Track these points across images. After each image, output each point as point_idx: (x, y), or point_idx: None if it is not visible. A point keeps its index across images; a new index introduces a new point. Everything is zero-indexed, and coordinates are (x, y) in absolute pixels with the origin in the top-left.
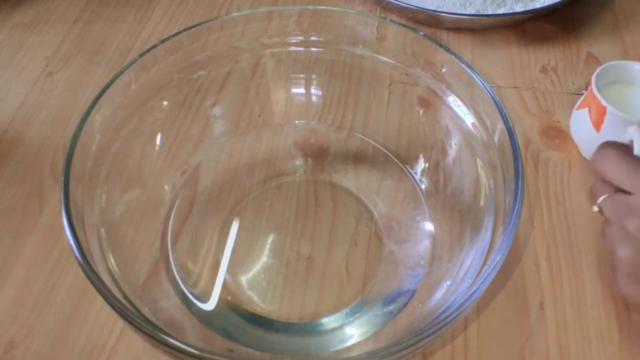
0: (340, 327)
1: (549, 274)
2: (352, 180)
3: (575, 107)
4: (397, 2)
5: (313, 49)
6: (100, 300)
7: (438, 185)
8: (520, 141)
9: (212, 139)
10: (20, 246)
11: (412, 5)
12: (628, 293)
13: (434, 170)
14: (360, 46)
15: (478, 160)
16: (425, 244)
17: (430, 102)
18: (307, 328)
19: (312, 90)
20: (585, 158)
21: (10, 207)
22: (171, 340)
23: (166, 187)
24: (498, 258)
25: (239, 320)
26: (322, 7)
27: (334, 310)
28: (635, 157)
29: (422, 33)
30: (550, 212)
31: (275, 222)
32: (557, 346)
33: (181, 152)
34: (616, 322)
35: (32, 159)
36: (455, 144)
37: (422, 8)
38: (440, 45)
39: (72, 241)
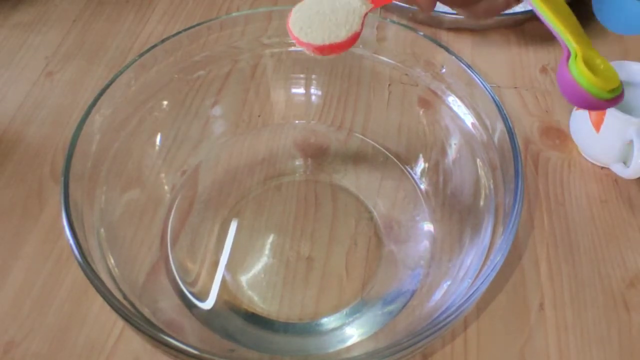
0: (340, 327)
1: (549, 274)
2: (352, 180)
3: (575, 107)
4: (397, 3)
5: None
6: (100, 300)
7: (438, 185)
8: (520, 141)
9: (212, 139)
10: (20, 246)
11: (412, 6)
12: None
13: (433, 171)
14: (360, 46)
15: (478, 160)
16: (425, 244)
17: (430, 102)
18: (307, 328)
19: (312, 90)
20: (585, 158)
21: (10, 207)
22: (171, 341)
23: (166, 187)
24: (498, 258)
25: (239, 320)
26: None
27: (333, 310)
28: None
29: (422, 33)
30: (550, 212)
31: (275, 222)
32: (557, 347)
33: (181, 152)
34: (616, 323)
35: (32, 159)
36: (455, 144)
37: None
38: (440, 45)
39: (72, 241)
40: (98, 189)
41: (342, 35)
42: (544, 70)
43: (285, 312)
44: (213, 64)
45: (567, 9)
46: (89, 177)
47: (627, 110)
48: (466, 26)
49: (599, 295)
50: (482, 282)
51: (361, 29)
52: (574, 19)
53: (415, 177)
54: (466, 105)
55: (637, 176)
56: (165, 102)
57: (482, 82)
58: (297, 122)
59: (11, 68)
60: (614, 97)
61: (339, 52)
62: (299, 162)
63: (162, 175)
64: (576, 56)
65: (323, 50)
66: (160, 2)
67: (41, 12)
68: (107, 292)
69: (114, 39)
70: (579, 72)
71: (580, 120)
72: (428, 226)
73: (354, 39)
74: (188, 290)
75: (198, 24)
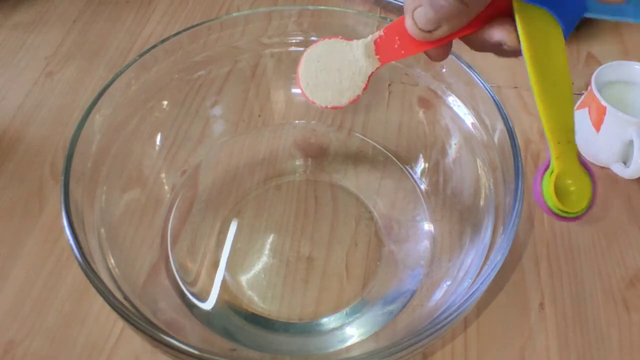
0: (340, 327)
1: (549, 274)
2: (352, 180)
3: (575, 107)
4: (397, 2)
5: None
6: (100, 300)
7: (438, 185)
8: (520, 141)
9: (212, 139)
10: (20, 246)
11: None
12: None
13: (434, 170)
14: None
15: (478, 160)
16: (425, 244)
17: (430, 102)
18: (307, 328)
19: None
20: (585, 158)
21: (10, 207)
22: (171, 341)
23: (166, 187)
24: (498, 258)
25: (239, 320)
26: (322, 7)
27: (334, 310)
28: None
29: None
30: None
31: (275, 222)
32: (557, 346)
33: (181, 152)
34: (616, 322)
35: (32, 159)
36: (455, 144)
37: None
38: None
39: (72, 241)
40: (98, 189)
41: (343, 101)
42: None
43: (286, 312)
44: (213, 64)
45: (567, 100)
46: (89, 177)
47: (627, 110)
48: None
49: (599, 295)
50: (482, 282)
51: (366, 86)
52: (570, 113)
53: (415, 177)
54: (466, 105)
55: (637, 176)
56: (165, 102)
57: (482, 82)
58: (297, 122)
59: (11, 68)
60: (576, 217)
61: (343, 107)
62: (299, 162)
63: (162, 175)
64: (552, 172)
65: (327, 107)
66: (160, 2)
67: (41, 12)
68: (107, 292)
69: (114, 39)
70: (547, 190)
71: (580, 120)
72: (428, 226)
73: (357, 98)
74: (188, 290)
75: (198, 24)
